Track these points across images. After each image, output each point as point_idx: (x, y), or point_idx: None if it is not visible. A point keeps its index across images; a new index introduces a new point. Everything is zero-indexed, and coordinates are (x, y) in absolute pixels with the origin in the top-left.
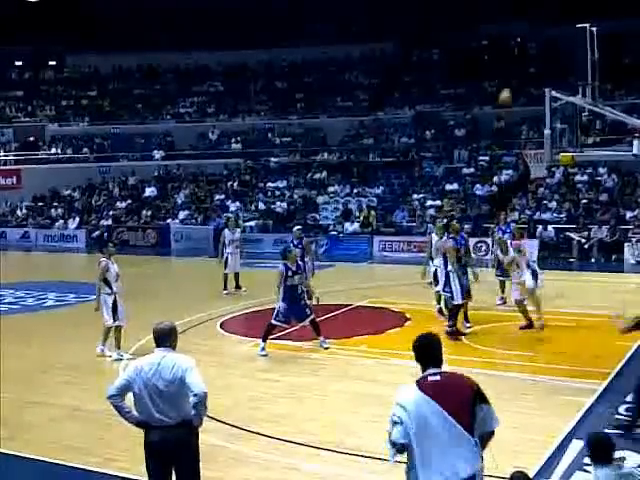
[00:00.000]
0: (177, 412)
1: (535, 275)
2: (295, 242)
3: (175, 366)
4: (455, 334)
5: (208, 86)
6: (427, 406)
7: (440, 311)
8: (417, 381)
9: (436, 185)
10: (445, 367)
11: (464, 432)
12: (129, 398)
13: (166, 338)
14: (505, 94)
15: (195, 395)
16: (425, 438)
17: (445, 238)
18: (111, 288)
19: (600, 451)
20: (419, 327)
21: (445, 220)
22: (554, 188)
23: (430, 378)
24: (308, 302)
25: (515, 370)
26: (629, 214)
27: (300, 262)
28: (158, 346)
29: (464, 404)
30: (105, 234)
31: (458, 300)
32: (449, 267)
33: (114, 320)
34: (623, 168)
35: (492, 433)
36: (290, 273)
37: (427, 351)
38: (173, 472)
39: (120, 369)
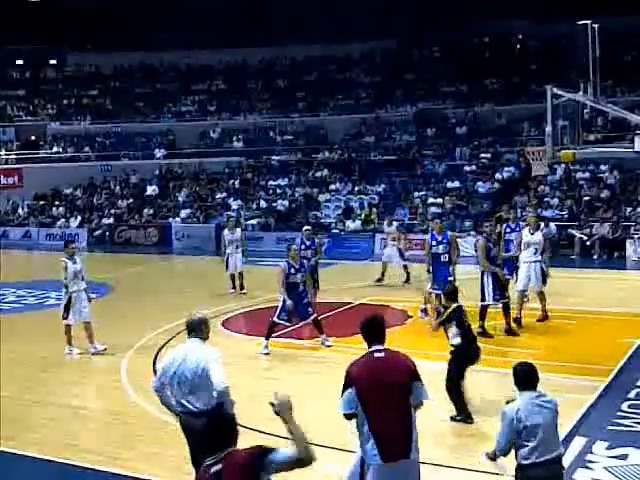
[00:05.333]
0: (201, 401)
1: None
2: (307, 243)
3: (199, 357)
4: (485, 335)
5: (209, 85)
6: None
7: (424, 311)
8: (364, 356)
9: (437, 183)
10: None
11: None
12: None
13: (196, 328)
14: None
15: (215, 391)
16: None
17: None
18: (66, 287)
19: (523, 379)
20: (420, 325)
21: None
22: (556, 185)
23: (376, 354)
24: (311, 301)
25: None
26: (629, 210)
27: (307, 261)
28: (190, 336)
29: (403, 380)
30: (107, 233)
31: (489, 300)
32: (481, 266)
33: (63, 318)
34: (625, 165)
35: (421, 403)
36: (293, 271)
37: (372, 330)
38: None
39: (123, 367)
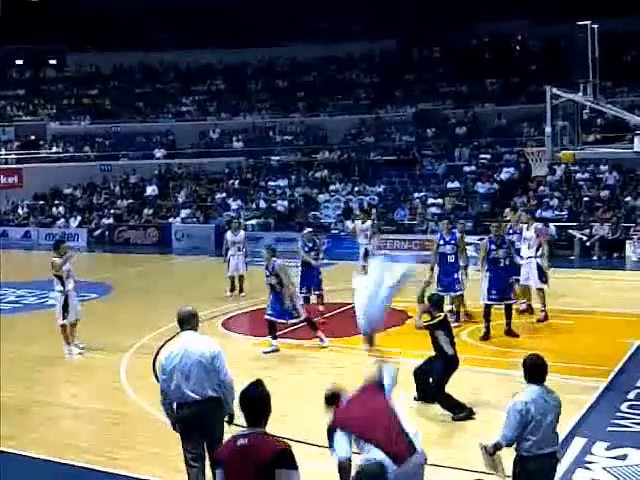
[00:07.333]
0: (204, 389)
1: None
2: (310, 245)
3: (201, 348)
4: (487, 335)
5: (209, 85)
6: None
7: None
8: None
9: (437, 183)
10: None
11: None
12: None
13: (188, 321)
14: None
15: (223, 384)
16: None
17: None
18: (63, 286)
19: (534, 372)
20: None
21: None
22: (555, 186)
23: (344, 401)
24: (291, 304)
25: (516, 368)
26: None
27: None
28: (182, 329)
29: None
30: (106, 233)
31: (484, 300)
32: (482, 266)
33: (63, 318)
34: (624, 165)
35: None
36: (267, 273)
37: (334, 399)
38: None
39: (122, 367)
